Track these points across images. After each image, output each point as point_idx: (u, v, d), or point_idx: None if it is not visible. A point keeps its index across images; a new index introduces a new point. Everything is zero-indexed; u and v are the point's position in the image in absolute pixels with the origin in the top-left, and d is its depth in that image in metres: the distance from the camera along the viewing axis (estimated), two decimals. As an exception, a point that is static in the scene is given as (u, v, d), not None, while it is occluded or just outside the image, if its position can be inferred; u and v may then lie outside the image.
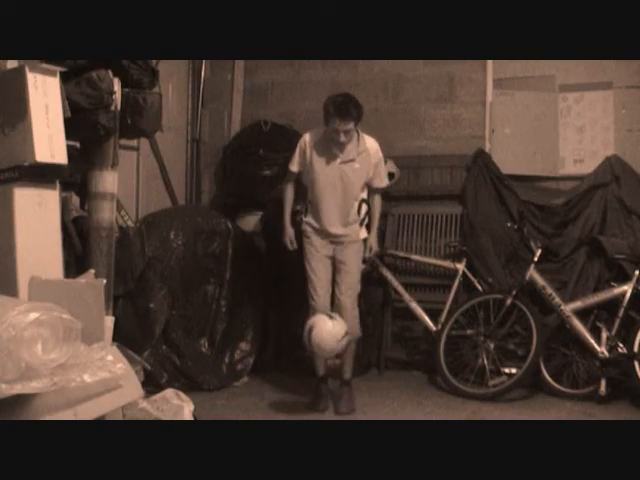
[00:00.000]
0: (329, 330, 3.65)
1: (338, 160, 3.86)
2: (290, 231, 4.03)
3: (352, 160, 3.87)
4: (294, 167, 3.99)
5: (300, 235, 4.02)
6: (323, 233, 3.94)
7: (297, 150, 3.98)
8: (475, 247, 4.81)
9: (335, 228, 3.92)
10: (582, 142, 4.90)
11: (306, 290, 3.93)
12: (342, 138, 3.78)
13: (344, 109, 3.75)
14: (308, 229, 3.97)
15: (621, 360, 4.12)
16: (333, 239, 3.95)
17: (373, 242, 4.06)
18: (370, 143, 3.94)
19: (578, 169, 4.89)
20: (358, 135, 3.88)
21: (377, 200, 4.08)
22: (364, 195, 3.99)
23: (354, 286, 3.95)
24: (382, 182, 4.07)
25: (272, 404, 4.03)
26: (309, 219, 3.97)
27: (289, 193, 4.05)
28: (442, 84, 5.24)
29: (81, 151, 3.36)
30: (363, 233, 4.00)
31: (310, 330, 3.65)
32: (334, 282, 3.95)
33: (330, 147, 3.85)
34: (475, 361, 4.40)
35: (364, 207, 3.98)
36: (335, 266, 3.95)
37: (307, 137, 3.94)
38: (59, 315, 2.16)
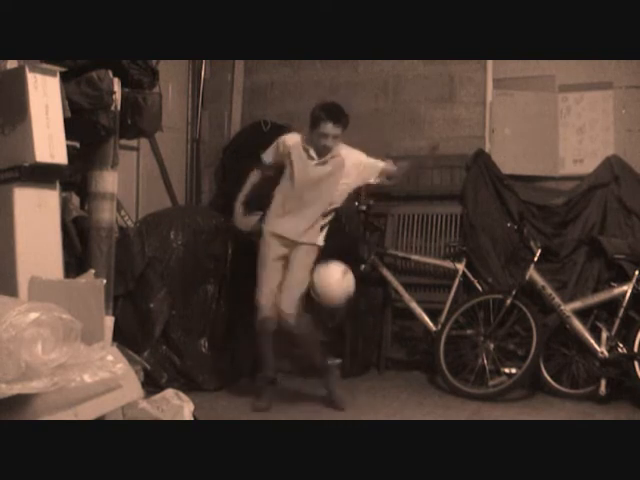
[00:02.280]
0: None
1: (313, 162, 3.91)
2: (239, 215, 4.12)
3: (325, 162, 3.92)
4: (268, 157, 4.07)
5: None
6: (281, 237, 3.96)
7: (274, 145, 4.06)
8: (475, 247, 4.81)
9: (295, 232, 3.93)
10: (582, 142, 4.90)
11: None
12: (330, 142, 3.84)
13: (336, 114, 3.85)
14: (270, 222, 4.00)
15: (621, 360, 4.12)
16: (288, 242, 3.96)
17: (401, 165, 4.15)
18: (346, 151, 3.96)
19: (578, 169, 4.89)
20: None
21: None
22: (338, 203, 4.01)
23: (300, 284, 3.94)
24: (382, 163, 4.08)
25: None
26: (268, 221, 4.00)
27: (254, 178, 4.14)
28: (442, 84, 5.24)
29: (81, 151, 3.35)
30: (320, 240, 4.00)
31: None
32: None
33: (307, 151, 3.90)
34: (475, 361, 4.40)
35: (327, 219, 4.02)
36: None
37: (286, 138, 4.02)
38: (59, 315, 2.16)
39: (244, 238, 4.40)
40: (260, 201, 4.14)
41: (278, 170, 4.05)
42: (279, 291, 3.90)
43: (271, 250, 3.96)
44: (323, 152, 3.90)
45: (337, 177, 3.95)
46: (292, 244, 3.94)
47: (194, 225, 4.55)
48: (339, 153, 3.94)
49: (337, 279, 3.92)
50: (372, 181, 4.09)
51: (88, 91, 3.25)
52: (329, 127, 3.82)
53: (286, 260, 3.96)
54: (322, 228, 3.98)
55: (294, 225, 3.93)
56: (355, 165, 3.98)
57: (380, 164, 4.07)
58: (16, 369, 2.04)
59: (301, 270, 3.93)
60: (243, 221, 4.14)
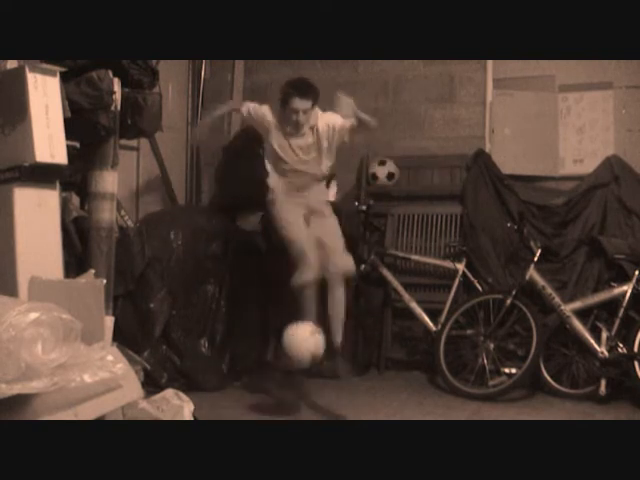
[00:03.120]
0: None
1: (292, 137, 3.98)
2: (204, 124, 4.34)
3: (303, 134, 3.98)
4: (244, 108, 4.15)
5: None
6: (299, 192, 4.06)
7: (261, 108, 4.08)
8: (475, 247, 4.81)
9: (308, 187, 4.07)
10: (582, 142, 4.90)
11: (291, 256, 3.94)
12: (300, 117, 3.88)
13: (303, 88, 3.89)
14: (281, 191, 4.06)
15: (621, 360, 4.11)
16: (306, 207, 4.05)
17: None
18: (322, 118, 3.99)
19: (578, 169, 4.89)
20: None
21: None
22: (329, 165, 4.10)
23: (340, 238, 4.01)
24: (347, 121, 3.99)
25: (272, 404, 4.03)
26: (277, 186, 4.07)
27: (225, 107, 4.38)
28: (442, 84, 5.24)
29: (81, 151, 3.36)
30: (332, 195, 4.21)
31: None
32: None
33: (284, 129, 3.97)
34: (475, 361, 4.40)
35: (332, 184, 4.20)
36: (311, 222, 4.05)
37: (267, 113, 4.05)
38: (59, 315, 2.16)
39: (244, 237, 4.41)
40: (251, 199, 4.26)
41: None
42: (328, 255, 3.91)
43: (293, 212, 4.00)
44: (298, 127, 3.95)
45: (319, 144, 4.01)
46: (309, 210, 4.03)
47: (194, 225, 4.55)
48: (316, 123, 3.99)
49: (304, 339, 3.72)
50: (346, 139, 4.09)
51: (88, 91, 3.25)
52: (297, 102, 3.85)
53: (306, 221, 4.03)
54: (328, 184, 4.16)
55: (305, 195, 4.04)
56: (327, 128, 4.01)
57: (347, 124, 4.01)
58: (16, 369, 2.04)
59: (333, 226, 4.04)
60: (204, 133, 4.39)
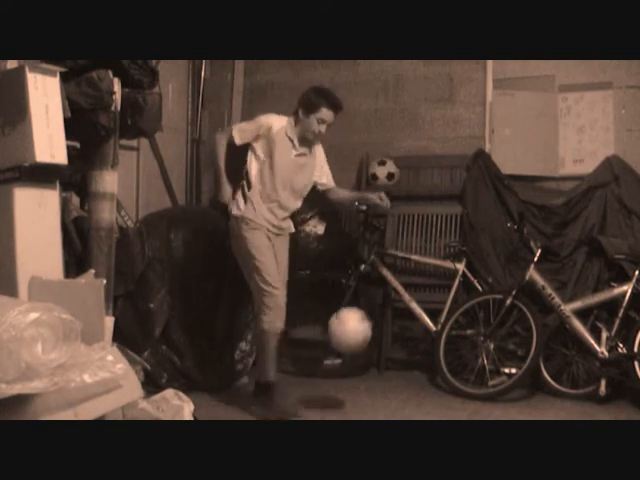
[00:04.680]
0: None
1: (294, 152, 3.85)
2: (229, 188, 3.89)
3: (304, 155, 3.88)
4: (238, 139, 3.85)
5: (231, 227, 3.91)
6: (276, 204, 3.84)
7: (253, 126, 3.86)
8: (475, 247, 4.81)
9: (288, 205, 3.88)
10: (582, 142, 4.90)
11: (252, 283, 3.80)
12: (324, 129, 3.80)
13: (334, 100, 3.80)
14: (256, 210, 3.80)
15: (621, 360, 4.11)
16: (274, 228, 3.86)
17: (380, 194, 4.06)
18: (317, 144, 3.98)
19: (578, 169, 4.89)
20: None
21: (343, 190, 4.15)
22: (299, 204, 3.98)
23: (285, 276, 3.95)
24: (330, 180, 4.05)
25: (272, 404, 4.02)
26: (252, 204, 3.80)
27: (224, 151, 3.89)
28: (442, 84, 5.24)
29: (81, 151, 3.36)
30: (292, 228, 4.03)
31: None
32: None
33: (291, 141, 3.83)
34: (475, 361, 4.40)
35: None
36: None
37: (272, 122, 3.83)
38: (59, 315, 2.17)
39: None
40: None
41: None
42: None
43: (264, 237, 3.80)
44: (305, 142, 3.85)
45: (311, 170, 3.95)
46: (274, 233, 3.86)
47: (194, 225, 4.55)
48: (314, 145, 3.94)
49: (356, 324, 3.75)
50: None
51: (88, 91, 3.25)
52: (326, 113, 3.77)
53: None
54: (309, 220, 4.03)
55: (278, 214, 3.86)
56: (323, 161, 4.00)
57: (332, 182, 4.06)
58: (16, 369, 2.04)
59: (286, 260, 3.96)
60: (227, 190, 3.91)
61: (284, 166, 3.81)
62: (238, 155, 3.98)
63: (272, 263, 3.78)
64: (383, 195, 4.04)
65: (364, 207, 4.78)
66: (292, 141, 3.83)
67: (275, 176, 3.81)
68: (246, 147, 3.90)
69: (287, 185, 3.85)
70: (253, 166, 3.87)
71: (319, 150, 4.01)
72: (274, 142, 3.80)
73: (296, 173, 3.86)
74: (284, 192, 3.84)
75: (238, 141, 3.86)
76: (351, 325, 3.74)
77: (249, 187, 3.84)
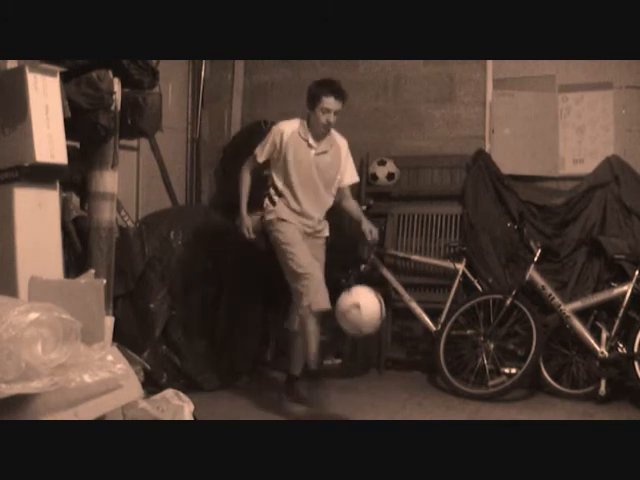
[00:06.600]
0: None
1: (313, 151, 3.85)
2: (248, 220, 3.93)
3: (325, 152, 3.89)
4: (261, 157, 3.91)
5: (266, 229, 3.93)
6: (302, 215, 3.87)
7: (269, 139, 3.91)
8: (475, 247, 4.81)
9: (313, 214, 3.89)
10: (582, 142, 4.90)
11: (287, 270, 3.78)
12: (332, 118, 3.79)
13: (339, 89, 3.80)
14: (285, 212, 3.84)
15: (621, 360, 4.12)
16: (307, 229, 3.88)
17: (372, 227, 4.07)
18: (339, 139, 3.99)
19: (578, 169, 4.89)
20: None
21: (354, 203, 4.14)
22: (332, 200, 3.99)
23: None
24: (354, 177, 4.08)
25: (272, 404, 4.03)
26: (281, 206, 3.85)
27: (248, 181, 3.97)
28: (442, 84, 5.24)
29: (81, 151, 3.36)
30: (327, 231, 4.01)
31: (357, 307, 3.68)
32: None
33: (306, 140, 3.84)
34: (475, 361, 4.40)
35: None
36: None
37: (283, 128, 3.88)
38: (59, 315, 2.16)
39: (245, 242, 4.41)
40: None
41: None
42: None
43: (296, 232, 3.82)
44: (321, 135, 3.85)
45: (337, 166, 3.95)
46: (307, 233, 3.89)
47: (194, 225, 4.55)
48: (335, 141, 3.94)
49: (375, 303, 3.76)
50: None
51: (88, 91, 3.25)
52: (331, 102, 3.76)
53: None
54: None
55: (311, 217, 3.89)
56: (345, 158, 4.00)
57: (355, 178, 4.11)
58: (16, 369, 2.04)
59: (323, 262, 3.92)
60: (250, 225, 3.96)
61: (305, 168, 3.84)
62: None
63: (306, 252, 3.77)
64: (375, 231, 4.06)
65: (364, 207, 4.78)
66: (307, 141, 3.84)
67: (300, 178, 3.83)
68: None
69: (309, 189, 3.85)
70: (276, 179, 3.91)
71: (343, 146, 3.99)
72: (288, 146, 3.83)
73: (320, 172, 3.87)
74: (306, 200, 3.85)
75: (261, 159, 3.92)
76: (371, 303, 3.74)
77: (278, 194, 3.89)
